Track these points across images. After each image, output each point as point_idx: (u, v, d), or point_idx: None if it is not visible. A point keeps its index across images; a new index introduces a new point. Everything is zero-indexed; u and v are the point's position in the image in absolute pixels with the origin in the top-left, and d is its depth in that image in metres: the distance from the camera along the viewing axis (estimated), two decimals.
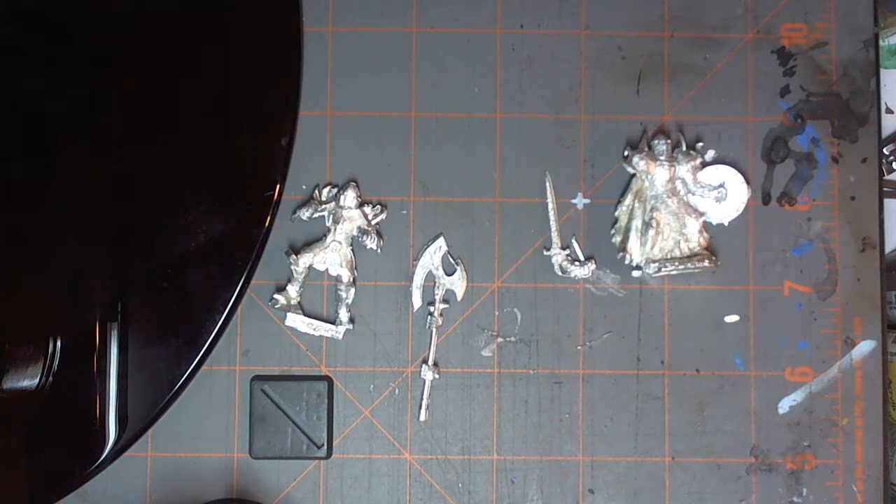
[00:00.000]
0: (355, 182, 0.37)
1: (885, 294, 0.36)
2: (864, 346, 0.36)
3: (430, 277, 0.37)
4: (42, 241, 0.34)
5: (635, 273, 0.36)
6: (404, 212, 0.37)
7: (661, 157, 0.35)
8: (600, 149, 0.37)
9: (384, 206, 0.37)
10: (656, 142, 0.35)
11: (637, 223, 0.35)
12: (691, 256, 0.35)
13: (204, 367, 0.34)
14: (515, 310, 0.37)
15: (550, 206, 0.37)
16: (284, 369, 0.36)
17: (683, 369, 0.36)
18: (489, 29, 0.37)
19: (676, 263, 0.35)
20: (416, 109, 0.37)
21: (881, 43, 0.37)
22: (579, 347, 0.36)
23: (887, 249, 0.37)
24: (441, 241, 0.37)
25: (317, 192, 0.37)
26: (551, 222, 0.37)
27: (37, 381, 0.33)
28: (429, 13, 0.37)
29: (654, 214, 0.35)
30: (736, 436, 0.36)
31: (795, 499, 0.36)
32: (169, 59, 0.35)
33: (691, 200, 0.36)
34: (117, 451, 0.33)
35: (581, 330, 0.36)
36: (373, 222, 0.36)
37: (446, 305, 0.36)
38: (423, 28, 0.37)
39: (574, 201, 0.37)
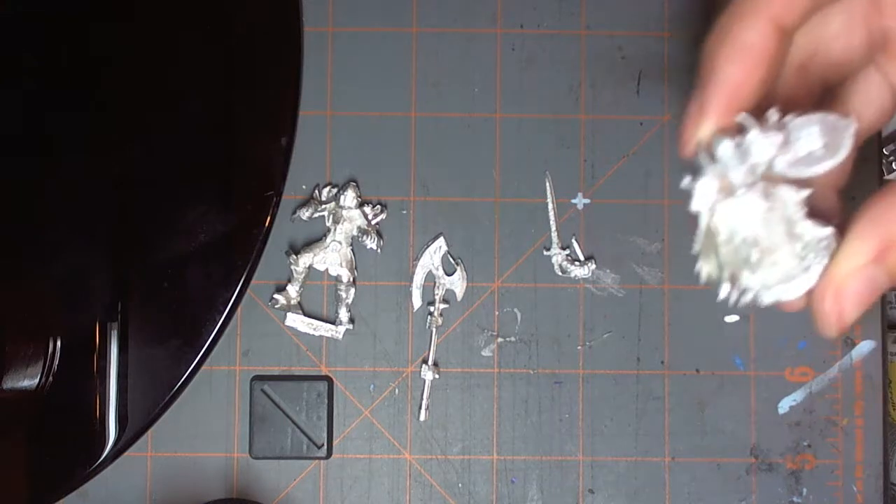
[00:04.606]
0: (355, 182, 0.37)
1: (884, 294, 0.36)
2: (864, 346, 0.36)
3: (430, 277, 0.37)
4: (42, 240, 0.34)
5: (745, 298, 0.25)
6: (404, 212, 0.37)
7: (729, 162, 0.24)
8: (600, 149, 0.37)
9: (384, 206, 0.37)
10: (717, 148, 0.24)
11: (727, 254, 0.25)
12: (804, 253, 0.24)
13: (204, 367, 0.34)
14: (515, 310, 0.37)
15: (550, 206, 0.37)
16: (284, 369, 0.36)
17: (683, 369, 0.36)
18: (489, 29, 0.37)
19: (800, 276, 0.24)
20: (416, 109, 0.37)
21: None
22: (579, 347, 0.36)
23: None
24: (441, 241, 0.37)
25: (317, 192, 0.37)
26: (551, 222, 0.37)
27: (37, 381, 0.33)
28: (429, 13, 0.37)
29: (741, 234, 0.24)
30: (736, 436, 0.36)
31: (795, 499, 0.36)
32: (168, 58, 0.35)
33: (782, 172, 0.24)
34: (117, 451, 0.33)
35: (581, 330, 0.37)
36: (373, 222, 0.36)
37: (446, 305, 0.36)
38: (423, 28, 0.37)
39: (574, 201, 0.37)
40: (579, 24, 0.37)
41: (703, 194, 0.24)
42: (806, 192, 0.24)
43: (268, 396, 0.36)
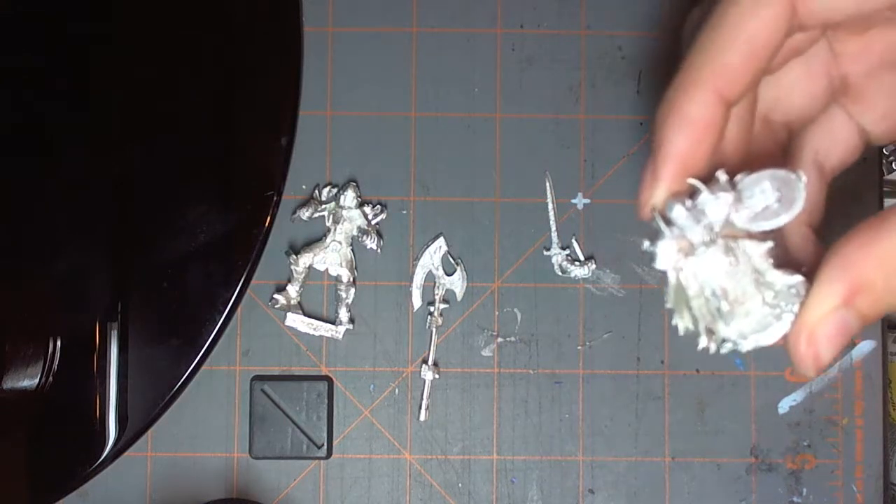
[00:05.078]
0: (355, 182, 0.37)
1: None
2: (864, 346, 0.36)
3: (430, 277, 0.37)
4: (42, 241, 0.34)
5: (725, 350, 0.25)
6: (404, 212, 0.37)
7: (684, 223, 0.24)
8: (600, 149, 0.37)
9: (384, 206, 0.37)
10: (671, 212, 0.24)
11: (699, 307, 0.26)
12: (776, 302, 0.25)
13: (204, 367, 0.34)
14: (515, 310, 0.37)
15: (550, 206, 0.37)
16: (284, 369, 0.36)
17: (683, 369, 0.36)
18: (489, 29, 0.37)
19: (774, 324, 0.25)
20: (416, 109, 0.37)
21: None
22: (579, 347, 0.36)
23: None
24: (441, 241, 0.37)
25: (317, 192, 0.37)
26: (551, 222, 0.37)
27: (37, 381, 0.33)
28: (429, 13, 0.37)
29: (709, 286, 0.25)
30: (736, 436, 0.36)
31: (795, 499, 0.36)
32: (168, 59, 0.35)
33: (743, 227, 0.25)
34: (117, 451, 0.33)
35: (581, 330, 0.37)
36: (373, 222, 0.36)
37: (446, 305, 0.36)
38: (423, 28, 0.37)
39: (574, 201, 0.37)
40: (579, 24, 0.37)
41: (665, 256, 0.25)
42: (769, 244, 0.24)
43: (268, 396, 0.36)
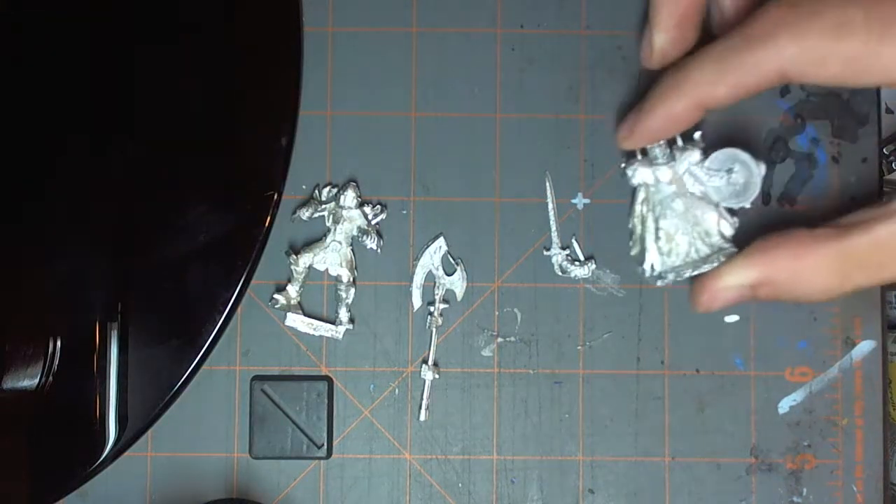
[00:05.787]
0: (355, 182, 0.37)
1: (885, 294, 0.36)
2: (864, 346, 0.36)
3: (430, 277, 0.37)
4: (42, 241, 0.34)
5: (659, 283, 0.34)
6: (404, 212, 0.37)
7: (659, 160, 0.33)
8: (600, 149, 0.37)
9: (384, 206, 0.37)
10: (650, 147, 0.33)
11: (649, 233, 0.34)
12: (708, 256, 0.33)
13: (204, 367, 0.34)
14: (515, 310, 0.37)
15: (550, 206, 0.37)
16: (284, 369, 0.36)
17: (683, 369, 0.36)
18: (489, 29, 0.37)
19: (691, 269, 0.33)
20: (416, 109, 0.37)
21: None
22: (579, 347, 0.36)
23: None
24: (441, 241, 0.37)
25: (317, 192, 0.37)
26: (551, 222, 0.37)
27: (37, 381, 0.33)
28: (429, 13, 0.37)
29: (662, 223, 0.33)
30: (736, 436, 0.36)
31: (795, 499, 0.36)
32: (168, 59, 0.35)
33: (707, 191, 0.33)
34: (117, 451, 0.33)
35: (581, 330, 0.37)
36: (373, 222, 0.36)
37: (446, 305, 0.36)
38: (423, 28, 0.37)
39: (574, 201, 0.37)
40: (579, 24, 0.37)
41: (637, 176, 0.33)
42: (721, 215, 0.33)
43: (268, 396, 0.36)
